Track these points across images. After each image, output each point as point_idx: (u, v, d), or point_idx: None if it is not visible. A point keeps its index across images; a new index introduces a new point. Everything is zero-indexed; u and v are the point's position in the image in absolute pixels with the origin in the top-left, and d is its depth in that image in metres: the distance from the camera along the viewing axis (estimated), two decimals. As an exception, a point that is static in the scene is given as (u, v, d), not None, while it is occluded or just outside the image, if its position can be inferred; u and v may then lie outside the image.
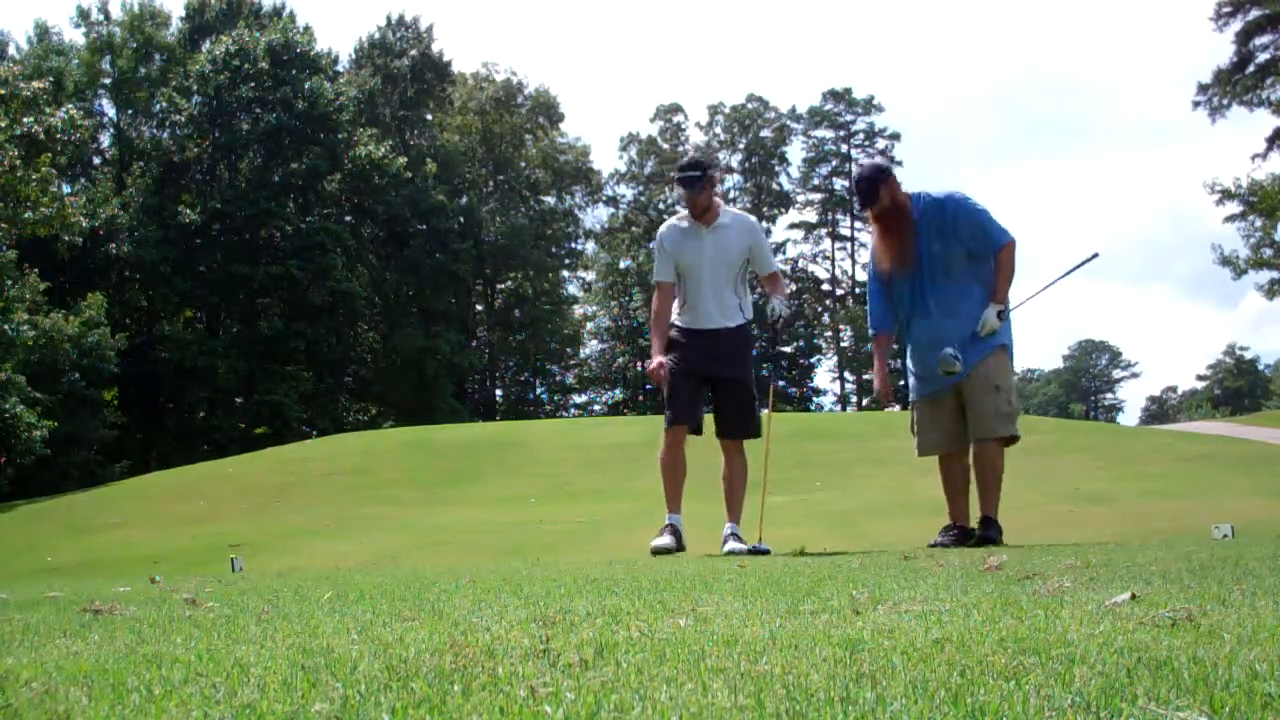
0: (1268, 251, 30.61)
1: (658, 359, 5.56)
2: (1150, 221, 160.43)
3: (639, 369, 47.90)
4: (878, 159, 6.36)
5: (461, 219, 44.62)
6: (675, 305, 5.67)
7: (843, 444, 16.77)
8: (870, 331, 5.90)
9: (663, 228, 5.75)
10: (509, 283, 48.46)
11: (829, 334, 55.32)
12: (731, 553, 5.42)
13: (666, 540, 5.53)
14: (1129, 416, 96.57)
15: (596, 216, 54.57)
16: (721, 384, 5.65)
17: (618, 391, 52.24)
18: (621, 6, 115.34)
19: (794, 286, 56.31)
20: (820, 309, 56.51)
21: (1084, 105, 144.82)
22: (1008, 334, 5.63)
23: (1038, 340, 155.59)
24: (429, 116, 46.55)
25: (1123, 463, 13.70)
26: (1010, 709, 1.38)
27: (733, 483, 5.66)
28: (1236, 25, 30.66)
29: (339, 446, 20.16)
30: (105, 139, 39.44)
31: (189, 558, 10.26)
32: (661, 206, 54.93)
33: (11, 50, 36.99)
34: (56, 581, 6.42)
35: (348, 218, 39.97)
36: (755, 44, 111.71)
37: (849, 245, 56.26)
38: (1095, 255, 6.08)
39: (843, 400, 54.32)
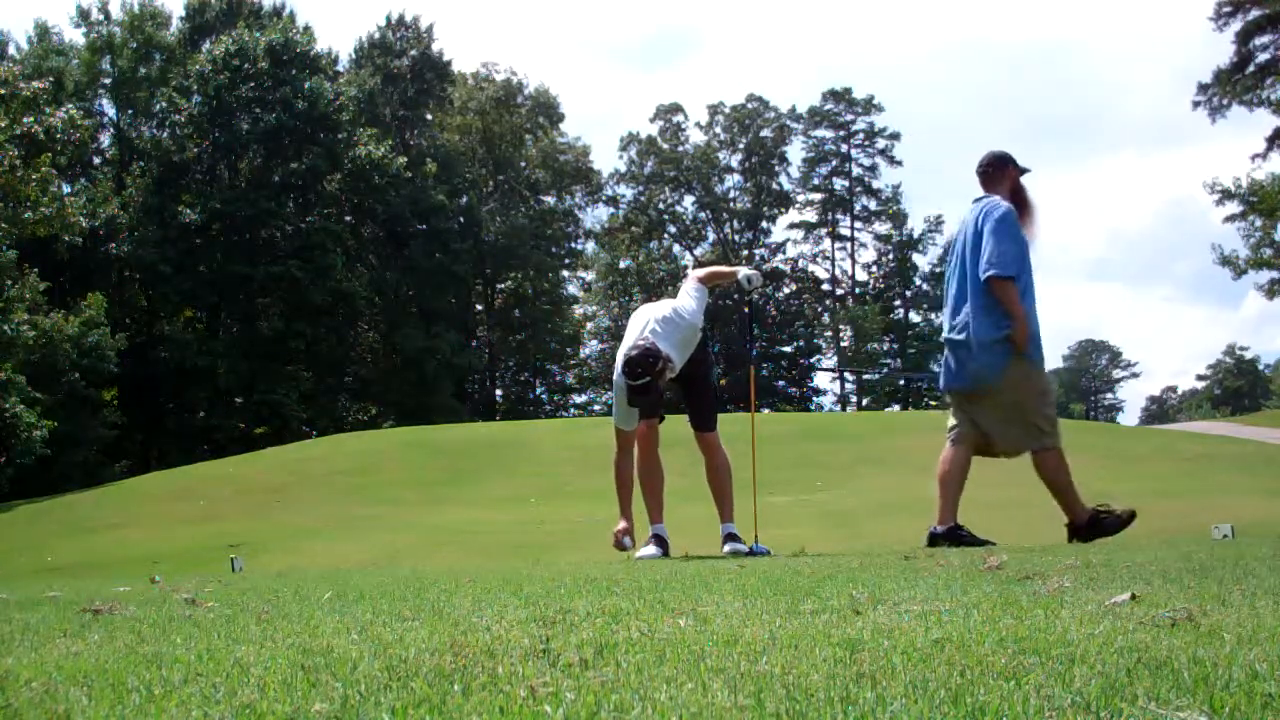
0: (1268, 251, 30.60)
1: (622, 524, 5.53)
2: (1150, 221, 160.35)
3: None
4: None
5: (461, 219, 44.60)
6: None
7: (843, 444, 16.78)
8: (1011, 273, 5.15)
9: (617, 372, 5.31)
10: (509, 283, 48.44)
11: (829, 334, 55.30)
12: (733, 553, 5.40)
13: (652, 550, 5.52)
14: (1129, 416, 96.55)
15: (596, 216, 54.59)
16: (683, 379, 5.52)
17: (617, 391, 52.22)
18: (621, 6, 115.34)
19: (793, 286, 56.31)
20: (820, 309, 56.47)
21: (1084, 105, 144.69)
22: None
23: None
24: (429, 116, 46.52)
25: (1123, 463, 13.70)
26: (1010, 709, 1.38)
27: (717, 481, 5.66)
28: (1236, 25, 30.65)
29: (339, 446, 20.17)
30: (105, 139, 39.41)
31: (189, 558, 10.26)
32: (661, 206, 54.94)
33: (11, 50, 36.98)
34: (56, 581, 6.42)
35: (348, 218, 39.96)
36: (755, 44, 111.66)
37: (849, 245, 56.24)
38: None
39: (843, 400, 54.30)
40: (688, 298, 5.55)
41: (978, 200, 5.42)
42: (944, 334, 5.47)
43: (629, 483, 5.61)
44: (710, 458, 5.69)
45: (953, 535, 5.32)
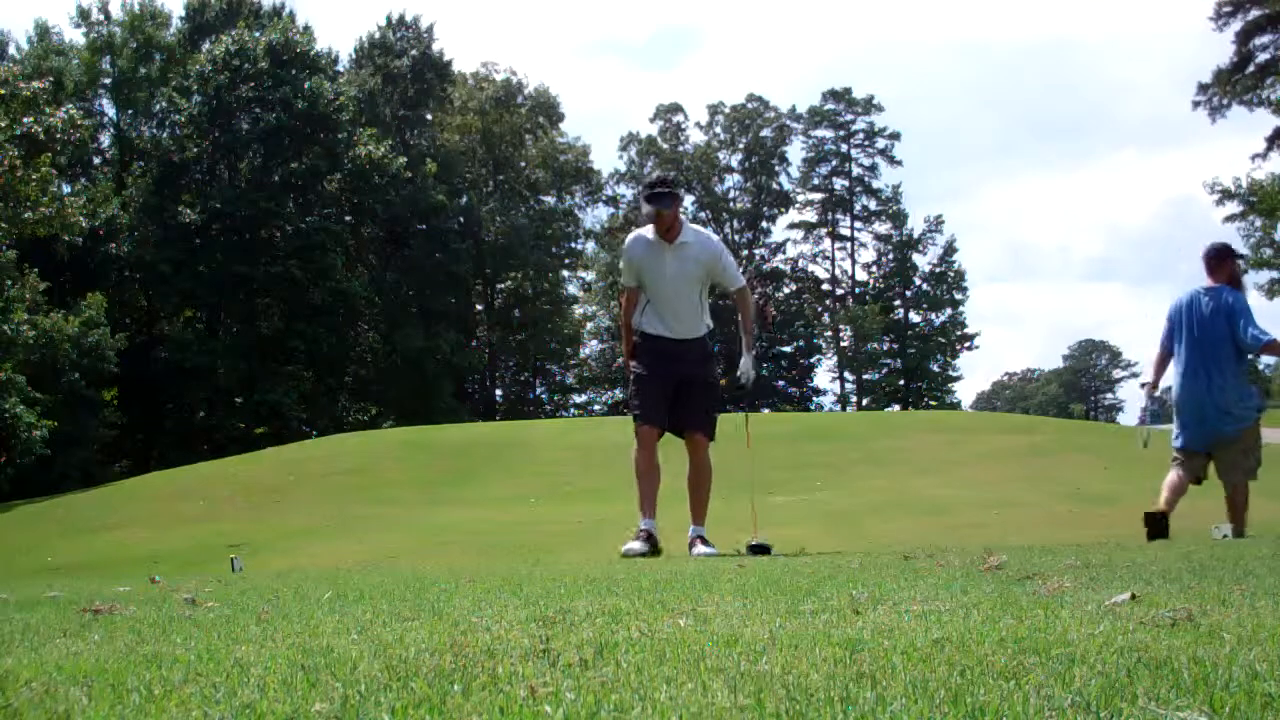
0: (1268, 251, 30.64)
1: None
2: (1151, 221, 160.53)
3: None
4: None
5: (461, 219, 44.57)
6: (638, 314, 5.80)
7: (843, 444, 16.76)
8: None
9: (629, 238, 5.85)
10: (509, 283, 48.43)
11: (829, 334, 55.29)
12: (705, 555, 5.34)
13: (637, 545, 5.49)
14: (1129, 416, 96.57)
15: (596, 216, 54.59)
16: (684, 386, 5.69)
17: (617, 391, 52.23)
18: (621, 6, 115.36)
19: (794, 286, 56.29)
20: (820, 309, 56.46)
21: (1084, 105, 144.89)
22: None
23: (1038, 340, 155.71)
24: (429, 116, 46.49)
25: (1123, 463, 13.69)
26: (1010, 709, 1.38)
27: (697, 484, 5.73)
28: (1236, 25, 30.68)
29: (339, 446, 20.16)
30: (105, 139, 39.40)
31: (189, 558, 10.27)
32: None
33: (11, 50, 36.99)
34: (56, 581, 6.42)
35: (348, 218, 39.92)
36: (755, 44, 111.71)
37: (849, 245, 56.26)
38: None
39: (843, 400, 54.29)
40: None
41: (1214, 288, 6.52)
42: (1191, 395, 6.52)
43: (647, 474, 5.69)
44: (697, 459, 5.76)
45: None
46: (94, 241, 32.48)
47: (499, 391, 51.22)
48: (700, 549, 5.49)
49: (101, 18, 38.12)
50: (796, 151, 55.95)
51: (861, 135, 55.71)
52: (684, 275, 5.63)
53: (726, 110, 55.20)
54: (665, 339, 5.68)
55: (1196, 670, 1.56)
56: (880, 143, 55.70)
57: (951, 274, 54.09)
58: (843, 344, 53.77)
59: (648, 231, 5.73)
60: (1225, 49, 32.34)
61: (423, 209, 40.91)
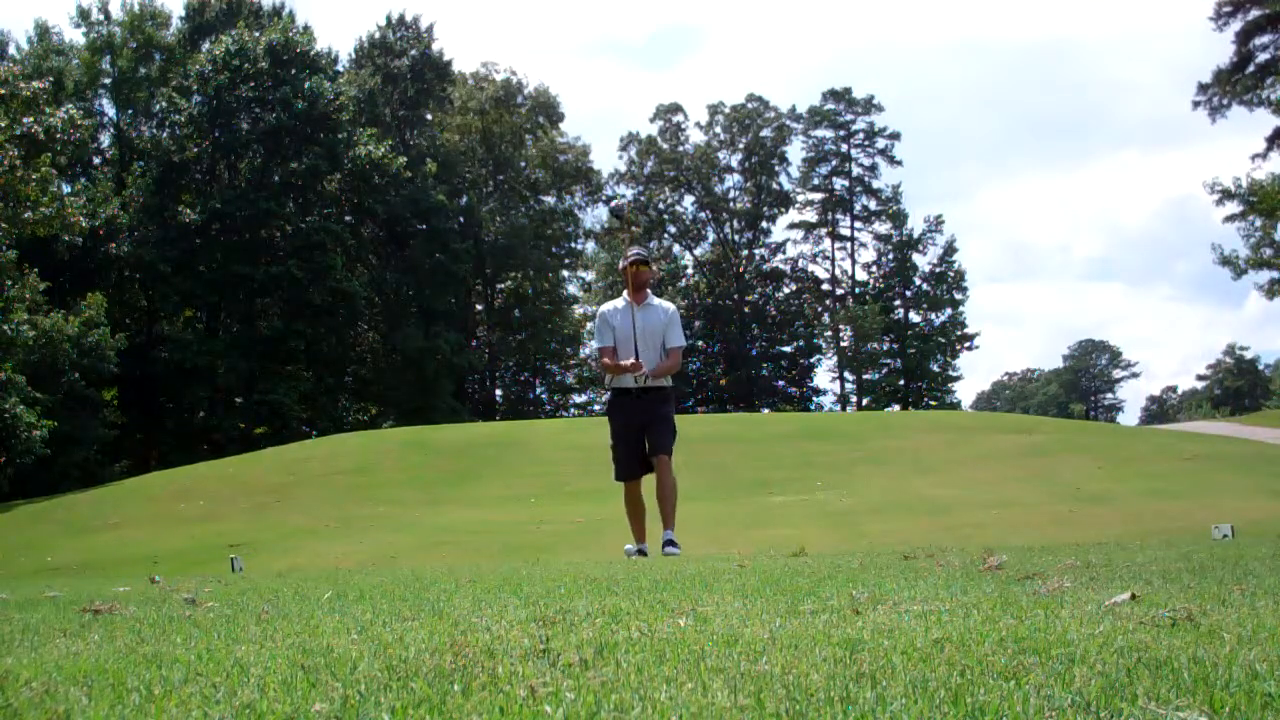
0: (1268, 251, 30.62)
1: (629, 361, 6.66)
2: (1151, 221, 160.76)
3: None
4: None
5: (461, 219, 44.57)
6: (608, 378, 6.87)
7: (843, 444, 16.75)
8: None
9: (601, 307, 6.99)
10: (509, 283, 48.42)
11: (829, 334, 55.27)
12: (669, 555, 6.17)
13: (633, 548, 6.58)
14: (1129, 416, 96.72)
15: (596, 216, 54.58)
16: (650, 424, 6.71)
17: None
18: (621, 6, 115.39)
19: (794, 286, 56.30)
20: (820, 309, 56.45)
21: (1084, 105, 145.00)
22: None
23: (1038, 340, 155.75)
24: (429, 116, 46.49)
25: (1123, 463, 13.70)
26: (1010, 709, 1.38)
27: (665, 496, 6.64)
28: (1236, 25, 30.68)
29: (339, 446, 20.16)
30: (105, 139, 39.40)
31: (189, 558, 10.27)
32: (661, 206, 54.96)
33: (11, 50, 36.98)
34: (56, 581, 6.42)
35: (348, 218, 39.92)
36: (755, 44, 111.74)
37: (849, 245, 56.22)
38: None
39: (843, 400, 54.27)
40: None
41: None
42: None
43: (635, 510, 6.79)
44: (662, 476, 6.64)
45: None
46: (94, 241, 32.45)
47: (499, 391, 51.23)
48: (670, 550, 6.29)
49: (101, 18, 38.13)
50: (796, 151, 56.00)
51: (861, 135, 55.70)
52: (650, 330, 6.72)
53: (726, 110, 55.18)
54: (632, 391, 6.66)
55: (1196, 670, 1.56)
56: (880, 143, 55.69)
57: (951, 274, 54.07)
58: (843, 344, 53.73)
59: (618, 300, 6.88)
60: (1225, 49, 32.42)
61: (423, 209, 40.91)
